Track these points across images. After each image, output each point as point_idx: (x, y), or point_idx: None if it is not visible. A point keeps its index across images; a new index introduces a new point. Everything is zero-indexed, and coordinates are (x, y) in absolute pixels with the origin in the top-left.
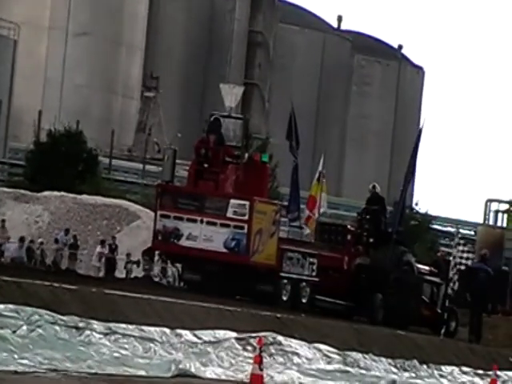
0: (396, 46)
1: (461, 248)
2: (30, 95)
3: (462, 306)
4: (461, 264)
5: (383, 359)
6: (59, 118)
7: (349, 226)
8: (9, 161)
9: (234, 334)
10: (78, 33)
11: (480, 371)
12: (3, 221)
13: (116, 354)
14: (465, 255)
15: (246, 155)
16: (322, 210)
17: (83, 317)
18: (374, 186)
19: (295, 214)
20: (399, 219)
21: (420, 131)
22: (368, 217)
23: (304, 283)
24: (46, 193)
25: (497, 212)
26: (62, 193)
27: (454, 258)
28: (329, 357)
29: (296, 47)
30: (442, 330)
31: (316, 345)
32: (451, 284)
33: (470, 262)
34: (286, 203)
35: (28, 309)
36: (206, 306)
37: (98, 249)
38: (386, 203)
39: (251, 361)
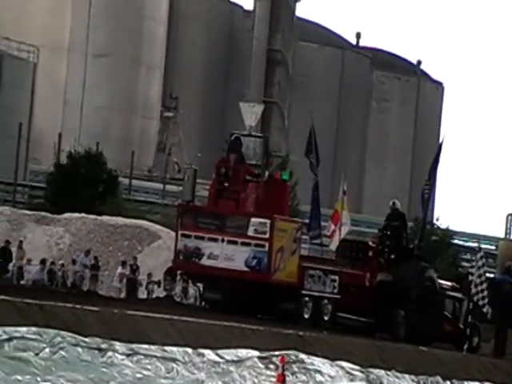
0: (415, 61)
1: (480, 263)
2: (49, 117)
3: (484, 321)
4: (481, 277)
5: (406, 376)
6: (79, 140)
7: (370, 243)
8: (29, 183)
9: (257, 353)
10: (97, 54)
11: None
12: (21, 242)
13: (139, 375)
14: (483, 270)
15: (267, 173)
16: (346, 229)
17: (105, 338)
18: (394, 203)
19: (316, 231)
20: (420, 235)
21: (440, 146)
22: (389, 233)
23: (326, 300)
24: (67, 215)
25: None
26: (83, 214)
27: (476, 272)
28: (352, 374)
29: (315, 64)
30: (465, 346)
31: (339, 362)
32: (476, 298)
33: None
34: (306, 221)
35: (50, 331)
36: (227, 325)
37: (120, 270)
38: (406, 219)
39: (274, 379)
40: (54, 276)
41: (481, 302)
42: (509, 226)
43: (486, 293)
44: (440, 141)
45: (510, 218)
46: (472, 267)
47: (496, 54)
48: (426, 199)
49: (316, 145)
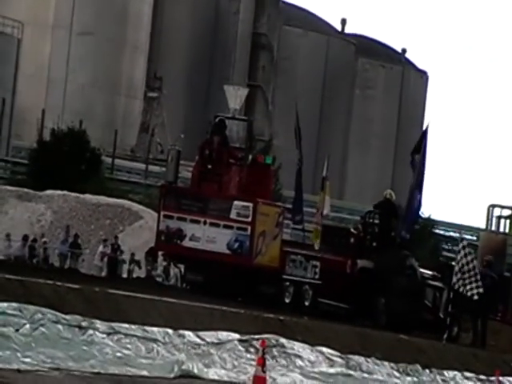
0: (400, 49)
1: (462, 253)
2: (33, 94)
3: (464, 311)
4: (463, 266)
5: (386, 363)
6: (62, 118)
7: (352, 230)
8: (12, 159)
9: (237, 336)
10: (81, 32)
11: (483, 377)
12: None
13: (119, 354)
14: (467, 259)
15: (250, 157)
16: (324, 212)
17: (86, 316)
18: (389, 194)
19: (299, 216)
20: (408, 226)
21: (425, 135)
22: (372, 220)
23: (307, 286)
24: (49, 192)
25: (499, 218)
26: (65, 192)
27: (458, 263)
28: (331, 360)
29: (300, 50)
30: (445, 335)
31: (319, 348)
32: (457, 286)
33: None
34: (288, 206)
35: (31, 307)
36: (208, 308)
37: (101, 248)
38: (397, 210)
39: (254, 363)
40: (34, 252)
41: (462, 289)
42: (490, 217)
43: (470, 280)
44: (424, 129)
45: (491, 209)
46: (455, 258)
47: (480, 43)
48: (413, 193)
49: (299, 130)
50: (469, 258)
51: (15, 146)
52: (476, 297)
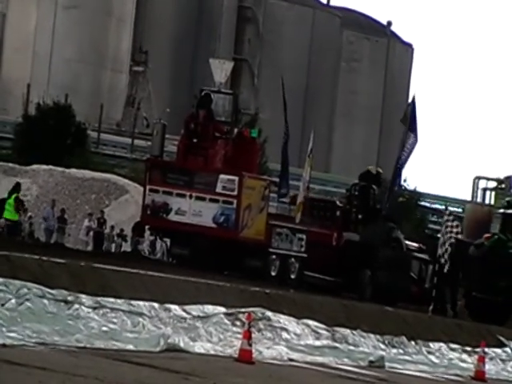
0: (385, 22)
1: (449, 224)
2: (18, 68)
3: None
4: (450, 238)
5: (371, 335)
6: (48, 92)
7: (337, 202)
8: None
9: (223, 309)
10: (67, 5)
11: (468, 348)
12: None
13: (105, 328)
14: (454, 230)
15: (236, 130)
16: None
17: (72, 290)
18: (373, 168)
19: (284, 189)
20: (387, 197)
21: (412, 107)
22: (357, 193)
23: (293, 259)
24: (35, 166)
25: (485, 189)
26: (51, 166)
27: (443, 235)
28: (317, 332)
29: (285, 23)
30: (430, 307)
31: (305, 320)
32: (443, 261)
33: (459, 237)
34: (274, 179)
35: (17, 282)
36: (194, 281)
37: (86, 223)
38: (381, 181)
39: (240, 336)
40: (20, 227)
41: (442, 261)
42: (476, 188)
43: (446, 255)
44: (408, 102)
45: (477, 181)
46: (440, 231)
47: (465, 16)
48: (399, 164)
49: (285, 103)
50: (447, 230)
51: (0, 121)
52: (445, 269)
